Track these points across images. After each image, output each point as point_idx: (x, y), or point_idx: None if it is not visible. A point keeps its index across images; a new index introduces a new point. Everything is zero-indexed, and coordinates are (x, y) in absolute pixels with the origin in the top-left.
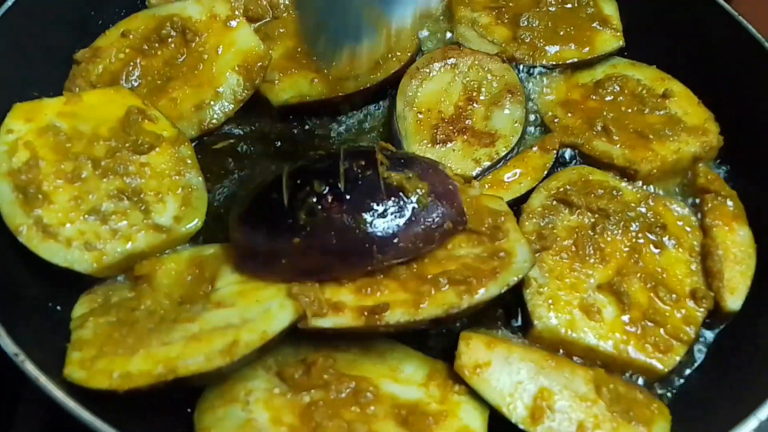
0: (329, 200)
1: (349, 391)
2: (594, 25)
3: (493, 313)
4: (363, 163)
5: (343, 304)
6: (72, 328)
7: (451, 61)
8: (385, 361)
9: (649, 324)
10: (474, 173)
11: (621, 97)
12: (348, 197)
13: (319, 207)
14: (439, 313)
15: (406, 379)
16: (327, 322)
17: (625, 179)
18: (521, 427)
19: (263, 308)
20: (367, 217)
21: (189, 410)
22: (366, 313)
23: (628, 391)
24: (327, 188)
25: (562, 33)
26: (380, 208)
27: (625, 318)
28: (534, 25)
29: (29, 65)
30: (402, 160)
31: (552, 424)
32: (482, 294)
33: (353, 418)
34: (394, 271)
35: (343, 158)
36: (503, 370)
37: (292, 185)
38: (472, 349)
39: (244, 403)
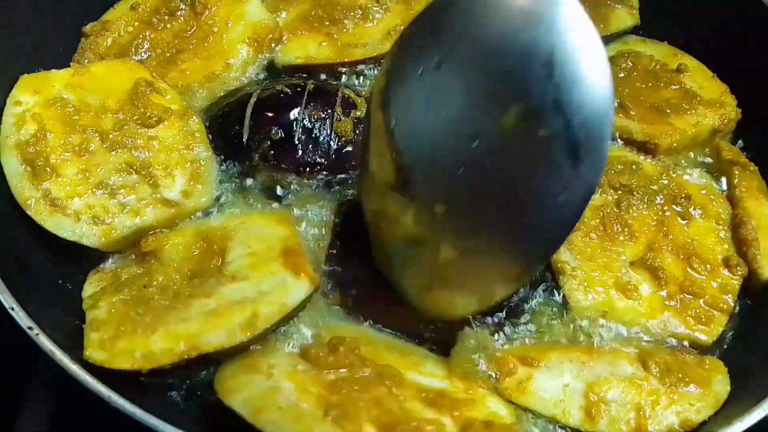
0: (280, 151)
1: (373, 375)
2: (610, 1)
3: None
4: (322, 115)
5: None
6: (85, 308)
7: None
8: (406, 357)
9: (688, 296)
10: None
11: (635, 73)
12: (300, 152)
13: (271, 153)
14: None
15: (429, 372)
16: None
17: (643, 153)
18: (582, 430)
19: (278, 280)
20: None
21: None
22: None
23: (676, 358)
24: (282, 135)
25: None
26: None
27: (663, 293)
28: None
29: (38, 39)
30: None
31: (611, 416)
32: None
33: (381, 394)
34: None
35: (305, 103)
36: (546, 377)
37: (254, 120)
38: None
39: (267, 375)
